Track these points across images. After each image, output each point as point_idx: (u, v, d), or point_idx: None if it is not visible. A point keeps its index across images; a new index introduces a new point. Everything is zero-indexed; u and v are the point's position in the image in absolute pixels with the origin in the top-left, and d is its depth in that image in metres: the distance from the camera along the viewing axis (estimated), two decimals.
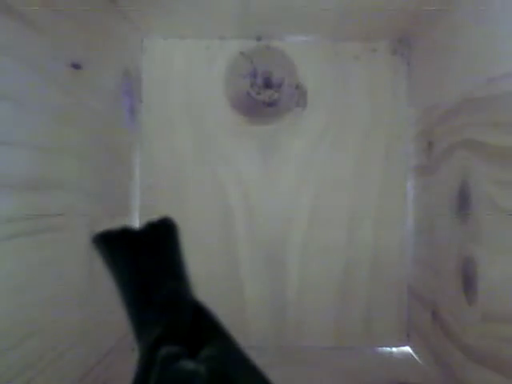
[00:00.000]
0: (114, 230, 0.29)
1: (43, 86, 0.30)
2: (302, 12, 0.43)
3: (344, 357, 0.47)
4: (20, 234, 0.28)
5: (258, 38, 0.50)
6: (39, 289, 0.30)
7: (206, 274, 0.49)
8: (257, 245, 0.50)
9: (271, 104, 0.50)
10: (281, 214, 0.50)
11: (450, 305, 0.38)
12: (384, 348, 0.50)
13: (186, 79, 0.51)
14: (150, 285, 0.27)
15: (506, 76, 0.29)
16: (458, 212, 0.36)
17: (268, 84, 0.50)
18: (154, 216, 0.32)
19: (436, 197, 0.42)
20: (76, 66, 0.34)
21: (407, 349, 0.49)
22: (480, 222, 0.32)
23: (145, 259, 0.28)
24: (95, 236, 0.29)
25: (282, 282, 0.50)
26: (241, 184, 0.50)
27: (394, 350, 0.49)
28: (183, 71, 0.51)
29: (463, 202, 0.35)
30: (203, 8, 0.43)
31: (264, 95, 0.50)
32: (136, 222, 0.49)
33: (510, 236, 0.28)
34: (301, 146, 0.50)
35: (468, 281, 0.34)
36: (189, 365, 0.21)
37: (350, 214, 0.50)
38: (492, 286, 0.31)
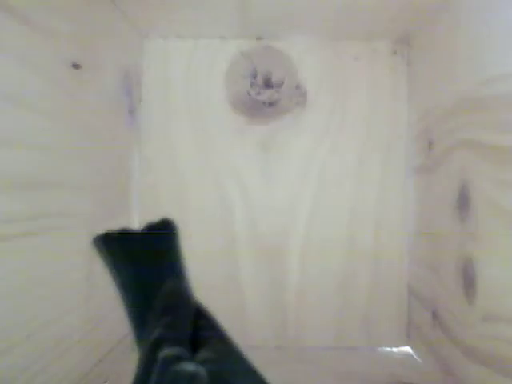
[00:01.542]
0: (113, 232, 0.29)
1: (43, 86, 0.30)
2: (302, 12, 0.43)
3: (344, 357, 0.47)
4: (20, 234, 0.28)
5: (258, 38, 0.50)
6: (39, 289, 0.30)
7: (206, 273, 0.49)
8: (257, 245, 0.50)
9: (271, 104, 0.50)
10: (281, 213, 0.50)
11: (450, 305, 0.38)
12: (384, 348, 0.50)
13: (186, 79, 0.51)
14: (150, 286, 0.27)
15: (506, 76, 0.29)
16: (458, 212, 0.36)
17: (268, 84, 0.50)
18: (154, 216, 0.32)
19: (436, 197, 0.42)
20: (76, 66, 0.34)
21: (407, 349, 0.49)
22: (480, 222, 0.32)
23: (144, 261, 0.28)
24: (95, 238, 0.29)
25: (281, 281, 0.50)
26: (241, 184, 0.50)
27: (394, 350, 0.49)
28: (183, 71, 0.51)
29: (463, 201, 0.35)
30: (203, 8, 0.43)
31: (264, 95, 0.50)
32: (136, 222, 0.49)
33: (510, 236, 0.28)
34: (301, 145, 0.50)
35: (468, 281, 0.34)
36: (189, 366, 0.21)
37: (350, 214, 0.50)
38: (492, 286, 0.31)
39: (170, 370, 0.21)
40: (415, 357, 0.47)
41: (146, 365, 0.23)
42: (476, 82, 0.33)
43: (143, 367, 0.23)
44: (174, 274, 0.29)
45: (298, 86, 0.50)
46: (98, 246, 0.29)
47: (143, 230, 0.31)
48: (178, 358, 0.22)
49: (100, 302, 0.39)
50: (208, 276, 0.49)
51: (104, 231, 0.29)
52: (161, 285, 0.27)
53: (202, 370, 0.21)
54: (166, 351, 0.22)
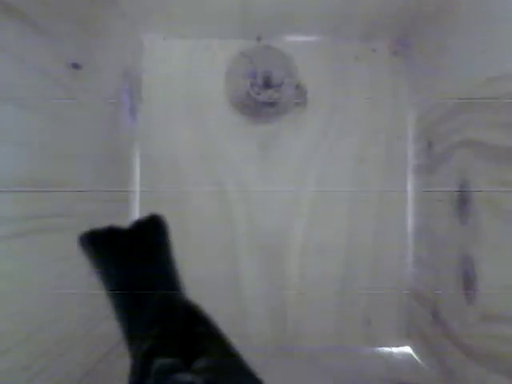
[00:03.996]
0: (100, 230, 0.28)
1: (43, 86, 0.30)
2: (302, 12, 0.43)
3: (344, 357, 0.47)
4: (20, 234, 0.28)
5: (258, 38, 0.50)
6: (39, 289, 0.30)
7: (206, 273, 0.49)
8: (256, 245, 0.50)
9: (271, 104, 0.50)
10: (280, 213, 0.50)
11: (450, 305, 0.38)
12: (384, 348, 0.50)
13: (186, 79, 0.51)
14: (139, 287, 0.26)
15: (506, 76, 0.29)
16: (458, 212, 0.36)
17: (268, 84, 0.50)
18: None
19: (436, 197, 0.42)
20: (76, 66, 0.34)
21: (407, 349, 0.49)
22: (480, 222, 0.32)
23: (133, 259, 0.27)
24: (81, 236, 0.28)
25: (281, 282, 0.50)
26: (241, 184, 0.50)
27: (394, 350, 0.49)
28: (183, 71, 0.51)
29: (463, 201, 0.35)
30: (203, 8, 0.43)
31: (264, 95, 0.50)
32: None
33: (509, 236, 0.28)
34: (301, 145, 0.50)
35: (468, 281, 0.34)
36: (186, 377, 0.20)
37: (350, 214, 0.50)
38: (492, 286, 0.31)
39: (166, 382, 0.20)
40: (415, 357, 0.47)
41: (139, 376, 0.22)
42: (476, 82, 0.33)
43: (136, 379, 0.22)
44: (164, 273, 0.27)
45: (297, 86, 0.50)
46: (83, 245, 0.28)
47: (131, 227, 0.29)
48: (174, 369, 0.21)
49: (100, 302, 0.39)
50: (208, 276, 0.49)
51: (90, 229, 0.28)
52: (150, 286, 0.26)
53: (199, 381, 0.20)
54: (161, 362, 0.21)
